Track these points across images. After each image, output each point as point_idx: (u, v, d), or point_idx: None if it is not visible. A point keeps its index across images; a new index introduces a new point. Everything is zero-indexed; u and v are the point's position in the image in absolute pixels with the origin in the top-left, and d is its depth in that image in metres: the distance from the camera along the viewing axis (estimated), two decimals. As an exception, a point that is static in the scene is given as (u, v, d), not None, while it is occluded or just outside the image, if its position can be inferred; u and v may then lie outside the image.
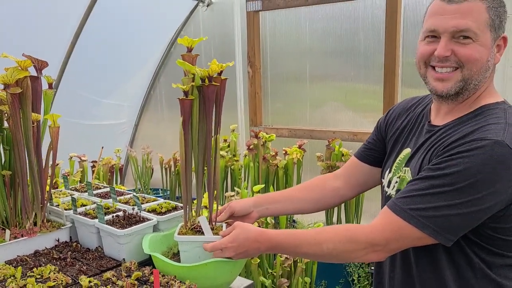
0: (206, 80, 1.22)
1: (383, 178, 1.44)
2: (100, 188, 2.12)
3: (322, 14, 3.60)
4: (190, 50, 1.26)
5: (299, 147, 3.21)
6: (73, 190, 2.12)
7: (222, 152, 3.54)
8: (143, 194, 1.93)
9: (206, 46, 4.31)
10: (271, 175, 3.25)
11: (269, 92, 3.97)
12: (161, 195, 4.18)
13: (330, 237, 1.22)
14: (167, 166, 3.98)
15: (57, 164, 3.54)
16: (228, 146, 3.65)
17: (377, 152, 1.53)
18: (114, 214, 1.63)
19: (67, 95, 3.85)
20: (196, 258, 1.35)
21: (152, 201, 1.82)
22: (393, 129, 1.47)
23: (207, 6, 4.23)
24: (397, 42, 3.04)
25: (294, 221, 3.39)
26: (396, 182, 1.34)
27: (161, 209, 1.71)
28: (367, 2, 3.37)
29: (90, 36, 3.69)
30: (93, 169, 3.97)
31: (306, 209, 1.62)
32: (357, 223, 3.08)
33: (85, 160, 3.65)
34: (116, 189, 1.97)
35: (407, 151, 1.35)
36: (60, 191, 2.10)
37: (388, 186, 1.39)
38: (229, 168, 3.61)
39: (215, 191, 1.40)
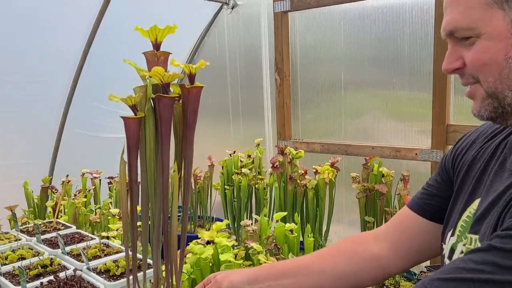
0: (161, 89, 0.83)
1: (444, 243, 0.95)
2: (59, 229, 1.77)
3: (360, 14, 3.17)
4: (156, 45, 0.88)
5: (332, 165, 2.76)
6: (25, 231, 1.77)
7: (244, 170, 3.14)
8: (106, 241, 1.54)
9: (230, 52, 3.96)
10: (299, 197, 2.81)
11: (299, 102, 3.55)
12: (180, 214, 3.82)
13: None
14: (186, 183, 3.62)
15: (69, 181, 3.28)
16: (252, 162, 3.25)
17: (442, 201, 1.03)
18: (52, 277, 1.24)
19: (81, 106, 3.59)
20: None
21: (115, 253, 1.42)
22: (460, 165, 0.99)
23: (232, 8, 3.88)
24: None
25: None
26: (462, 253, 0.86)
27: (117, 269, 1.29)
28: (412, 2, 2.93)
29: (105, 42, 3.41)
30: (109, 185, 3.68)
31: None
32: None
33: (97, 177, 3.35)
34: (81, 231, 1.60)
35: (477, 203, 0.87)
36: (6, 233, 1.75)
37: (450, 258, 0.90)
38: (253, 187, 3.20)
39: (173, 263, 0.94)
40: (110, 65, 3.34)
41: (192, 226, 3.65)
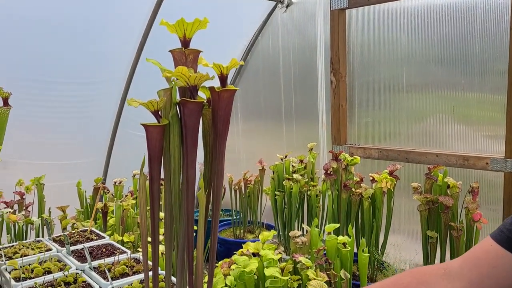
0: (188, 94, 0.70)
1: None
2: (92, 239, 1.70)
3: (424, 11, 2.94)
4: (185, 42, 0.76)
5: (391, 173, 2.55)
6: (57, 240, 1.71)
7: (296, 176, 3.00)
8: (137, 256, 1.44)
9: (284, 52, 3.82)
10: (353, 206, 2.63)
11: (356, 104, 3.35)
12: (229, 219, 3.74)
13: None
14: (236, 187, 3.53)
15: (120, 182, 3.29)
16: (305, 167, 3.10)
17: None
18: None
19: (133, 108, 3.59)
20: None
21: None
22: None
23: (286, 7, 3.74)
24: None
25: None
26: None
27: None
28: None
29: (157, 42, 3.39)
30: (160, 187, 3.67)
31: None
32: None
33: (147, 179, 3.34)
34: (113, 243, 1.51)
35: None
36: (38, 241, 1.71)
37: None
38: (305, 194, 3.05)
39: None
40: (163, 64, 3.31)
41: (242, 231, 3.57)
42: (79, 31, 3.15)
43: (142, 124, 0.74)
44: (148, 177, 0.73)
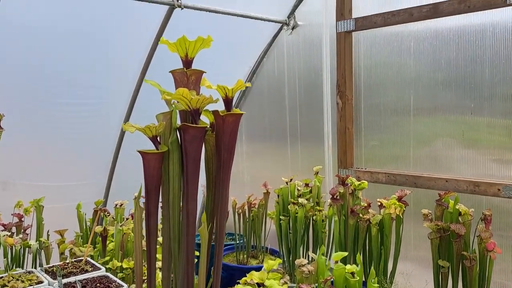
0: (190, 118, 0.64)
1: None
2: (87, 271, 1.62)
3: (432, 33, 2.91)
4: (187, 62, 0.71)
5: (399, 199, 2.47)
6: (50, 270, 1.63)
7: (302, 200, 2.93)
8: None
9: (289, 74, 3.79)
10: (361, 233, 2.54)
11: (363, 127, 3.29)
12: (232, 243, 3.64)
13: None
14: (240, 211, 3.45)
15: (121, 205, 3.21)
16: (310, 191, 3.03)
17: None
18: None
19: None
20: None
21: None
22: None
23: (292, 29, 3.72)
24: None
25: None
26: None
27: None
28: (493, 19, 2.63)
29: (162, 62, 3.36)
30: (162, 210, 3.59)
31: None
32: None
33: (149, 201, 3.26)
34: (109, 275, 1.43)
35: None
36: (29, 273, 1.63)
37: None
38: (310, 219, 2.97)
39: None
40: (167, 85, 3.28)
41: (245, 256, 3.47)
42: (83, 50, 3.13)
43: (139, 151, 0.68)
44: (145, 211, 0.66)
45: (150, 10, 3.13)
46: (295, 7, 3.71)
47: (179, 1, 3.03)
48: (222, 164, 0.68)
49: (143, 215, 0.68)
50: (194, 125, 0.66)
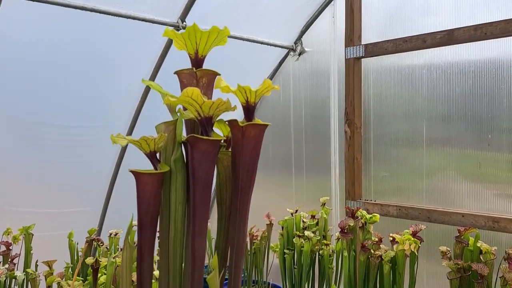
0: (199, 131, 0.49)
1: None
2: None
3: (446, 60, 2.81)
4: (197, 60, 0.57)
5: (414, 234, 2.31)
6: None
7: (308, 233, 2.76)
8: None
9: (295, 101, 3.69)
10: (372, 270, 2.37)
11: (372, 158, 3.16)
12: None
13: None
14: (241, 243, 3.27)
15: (116, 234, 3.05)
16: (317, 224, 2.86)
17: None
18: None
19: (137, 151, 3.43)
20: None
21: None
22: None
23: (299, 55, 3.64)
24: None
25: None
26: None
27: None
28: (511, 47, 2.54)
29: (164, 85, 3.27)
30: (159, 241, 3.42)
31: None
32: None
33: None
34: None
35: None
36: None
37: None
38: (316, 254, 2.80)
39: None
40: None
41: (245, 292, 3.28)
42: (78, 74, 3.04)
43: (131, 171, 0.53)
44: (137, 249, 0.51)
45: (153, 31, 3.05)
46: (302, 32, 3.64)
47: (184, 23, 2.95)
48: (240, 190, 0.53)
49: (135, 255, 0.53)
50: (206, 137, 0.51)
